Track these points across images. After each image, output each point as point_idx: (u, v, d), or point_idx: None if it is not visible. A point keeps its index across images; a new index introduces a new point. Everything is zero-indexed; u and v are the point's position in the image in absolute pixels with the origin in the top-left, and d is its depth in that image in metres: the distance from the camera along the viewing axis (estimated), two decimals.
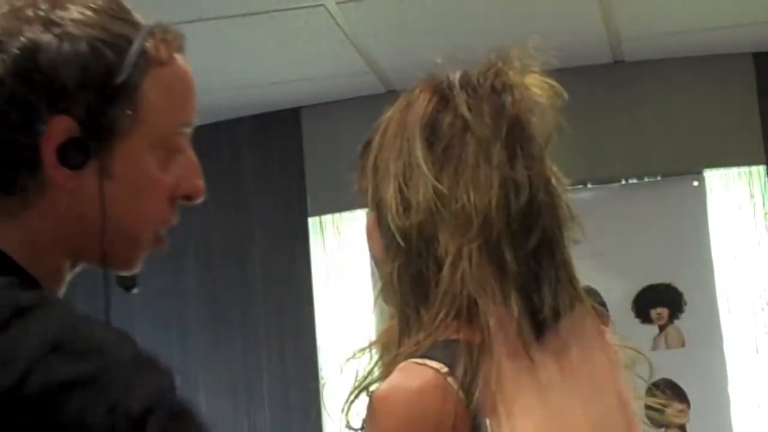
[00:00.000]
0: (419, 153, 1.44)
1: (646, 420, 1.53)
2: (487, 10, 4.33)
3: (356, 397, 1.44)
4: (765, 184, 4.93)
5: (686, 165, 4.95)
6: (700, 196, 4.92)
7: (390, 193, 1.44)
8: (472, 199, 1.41)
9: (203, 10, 4.06)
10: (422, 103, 1.47)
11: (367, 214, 1.53)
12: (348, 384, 1.46)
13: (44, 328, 1.11)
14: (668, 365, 4.11)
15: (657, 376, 1.56)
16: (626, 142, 4.99)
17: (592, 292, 1.51)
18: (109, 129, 1.22)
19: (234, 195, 5.24)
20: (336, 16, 4.33)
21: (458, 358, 1.36)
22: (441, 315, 1.40)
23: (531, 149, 1.45)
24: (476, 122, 1.44)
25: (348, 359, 1.48)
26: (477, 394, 1.34)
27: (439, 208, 1.41)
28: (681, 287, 4.86)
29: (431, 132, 1.45)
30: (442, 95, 1.48)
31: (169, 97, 1.26)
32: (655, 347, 4.79)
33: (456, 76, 1.49)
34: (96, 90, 1.21)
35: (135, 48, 1.22)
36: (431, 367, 1.36)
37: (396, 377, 1.37)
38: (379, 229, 1.47)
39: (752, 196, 4.94)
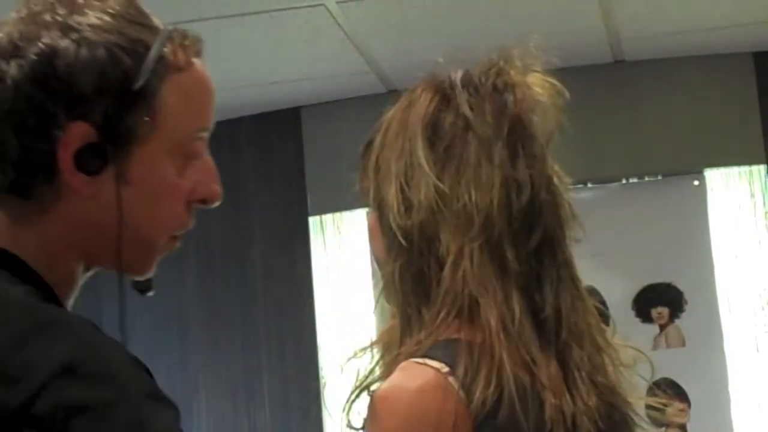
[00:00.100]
0: (421, 152, 1.44)
1: (646, 419, 1.53)
2: (487, 10, 4.33)
3: (357, 396, 1.44)
4: (765, 183, 4.93)
5: (686, 164, 4.95)
6: (700, 195, 4.92)
7: (392, 193, 1.44)
8: (473, 198, 1.41)
9: (203, 10, 4.06)
10: (424, 103, 1.47)
11: (368, 213, 1.53)
12: (349, 383, 1.46)
13: (61, 347, 1.10)
14: (669, 364, 4.12)
15: (657, 376, 1.56)
16: (626, 142, 4.99)
17: (592, 292, 1.52)
18: (127, 135, 1.21)
19: (234, 195, 5.24)
20: (336, 15, 4.33)
21: (459, 357, 1.36)
22: (442, 314, 1.40)
23: (533, 148, 1.45)
24: (478, 121, 1.44)
25: (349, 359, 1.48)
26: (477, 393, 1.34)
27: (440, 208, 1.41)
28: (681, 287, 4.86)
29: (433, 131, 1.45)
30: (443, 95, 1.48)
31: (187, 103, 1.26)
32: (655, 347, 4.79)
33: (458, 76, 1.49)
34: (114, 96, 1.20)
35: (153, 53, 1.22)
36: (432, 367, 1.36)
37: (397, 377, 1.37)
38: (381, 229, 1.47)
39: (752, 195, 4.94)
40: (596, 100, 4.90)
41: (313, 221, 5.22)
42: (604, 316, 1.51)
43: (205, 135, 1.30)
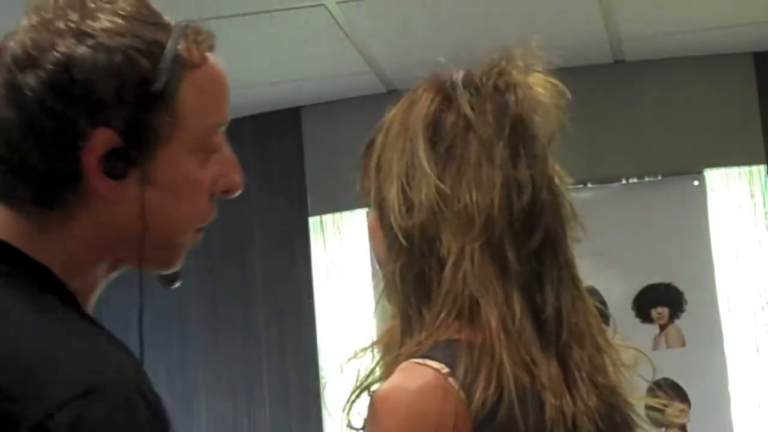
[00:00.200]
0: (422, 153, 1.44)
1: (647, 420, 1.53)
2: (487, 10, 4.33)
3: (358, 396, 1.44)
4: (765, 183, 4.93)
5: (686, 164, 4.95)
6: (700, 195, 4.92)
7: (393, 193, 1.44)
8: (474, 198, 1.41)
9: (203, 10, 4.06)
10: (425, 103, 1.47)
11: (369, 213, 1.53)
12: (349, 384, 1.46)
13: (87, 367, 1.11)
14: (669, 365, 4.11)
15: (657, 376, 1.56)
16: (626, 141, 4.99)
17: (592, 292, 1.52)
18: (150, 137, 1.21)
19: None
20: (336, 15, 4.33)
21: (459, 358, 1.36)
22: (442, 315, 1.40)
23: (534, 148, 1.45)
24: (479, 122, 1.44)
25: (350, 359, 1.48)
26: (477, 394, 1.34)
27: (441, 208, 1.41)
28: (681, 287, 4.86)
29: (434, 132, 1.45)
30: (445, 95, 1.48)
31: (204, 100, 1.26)
32: (655, 347, 4.78)
33: (459, 76, 1.49)
34: (134, 99, 1.20)
35: (169, 54, 1.22)
36: (432, 368, 1.36)
37: (397, 377, 1.37)
38: (382, 229, 1.47)
39: (752, 195, 4.94)
40: (596, 100, 4.90)
41: (313, 221, 5.22)
42: (605, 316, 1.51)
43: (224, 128, 1.30)
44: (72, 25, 1.20)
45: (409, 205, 1.43)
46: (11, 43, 1.22)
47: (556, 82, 1.47)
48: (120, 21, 1.21)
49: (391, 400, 1.35)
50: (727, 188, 4.96)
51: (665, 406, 1.55)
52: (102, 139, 1.19)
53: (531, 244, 1.43)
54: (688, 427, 4.75)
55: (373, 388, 1.42)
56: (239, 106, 5.13)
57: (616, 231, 4.66)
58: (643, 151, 4.98)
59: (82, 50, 1.19)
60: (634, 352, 1.51)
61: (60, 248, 1.22)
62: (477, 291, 1.39)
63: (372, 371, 1.46)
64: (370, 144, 1.51)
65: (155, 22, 1.24)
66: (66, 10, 1.22)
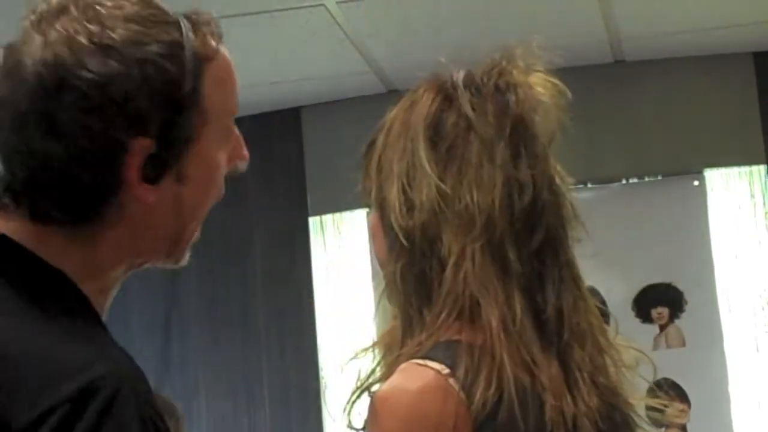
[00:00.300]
0: (423, 153, 1.44)
1: (647, 420, 1.53)
2: (487, 10, 4.33)
3: (358, 397, 1.44)
4: (765, 183, 4.93)
5: (686, 165, 4.95)
6: (700, 195, 4.92)
7: (393, 193, 1.44)
8: (475, 198, 1.41)
9: (203, 10, 4.05)
10: (426, 103, 1.47)
11: (368, 214, 1.53)
12: (349, 384, 1.46)
13: (81, 369, 1.11)
14: (669, 365, 4.11)
15: (658, 376, 1.56)
16: (626, 142, 4.99)
17: (592, 292, 1.51)
18: (184, 138, 1.22)
19: (234, 195, 5.21)
20: (336, 15, 4.33)
21: (460, 359, 1.36)
22: (443, 315, 1.40)
23: (535, 148, 1.45)
24: (480, 122, 1.44)
25: (351, 359, 1.48)
26: (478, 395, 1.34)
27: (442, 208, 1.41)
28: (681, 287, 4.86)
29: (435, 132, 1.45)
30: (445, 95, 1.48)
31: (223, 90, 1.28)
32: (655, 347, 4.78)
33: (460, 76, 1.49)
34: (166, 105, 1.21)
35: (189, 53, 1.22)
36: (432, 368, 1.36)
37: (397, 378, 1.37)
38: (383, 229, 1.47)
39: (752, 195, 4.94)
40: (596, 100, 4.90)
41: (313, 221, 5.21)
42: (606, 316, 1.51)
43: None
44: (95, 39, 1.19)
45: (410, 206, 1.43)
46: (27, 60, 1.19)
47: (557, 81, 1.47)
48: (135, 27, 1.21)
49: (391, 401, 1.35)
50: (727, 188, 4.96)
51: (665, 406, 1.55)
52: (140, 148, 1.20)
53: (532, 244, 1.43)
54: (688, 427, 4.75)
55: (374, 388, 1.42)
56: (239, 106, 5.12)
57: (616, 231, 4.66)
58: (643, 151, 4.98)
59: (113, 66, 1.18)
60: (635, 353, 1.51)
61: (84, 254, 1.22)
62: (478, 291, 1.39)
63: (373, 372, 1.45)
64: (371, 144, 1.51)
65: (167, 20, 1.24)
66: (84, 24, 1.20)
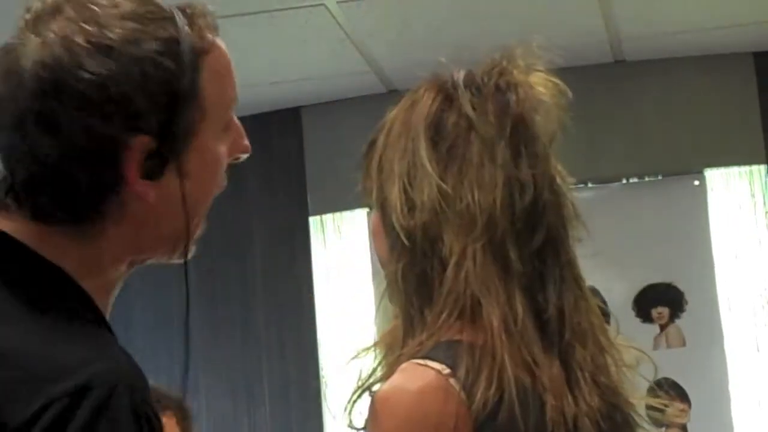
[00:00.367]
0: (424, 153, 1.44)
1: (647, 419, 1.53)
2: (487, 10, 4.33)
3: (359, 396, 1.44)
4: (765, 183, 4.93)
5: (687, 164, 4.95)
6: (700, 195, 4.92)
7: (395, 193, 1.44)
8: (476, 198, 1.41)
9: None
10: (426, 103, 1.47)
11: (369, 214, 1.53)
12: (350, 383, 1.46)
13: (76, 367, 1.11)
14: (669, 365, 4.10)
15: (658, 376, 1.56)
16: (626, 141, 4.99)
17: (593, 291, 1.51)
18: (183, 133, 1.22)
19: (234, 195, 5.21)
20: (336, 15, 4.33)
21: (460, 359, 1.36)
22: (444, 315, 1.40)
23: (535, 148, 1.45)
24: (480, 121, 1.44)
25: (352, 359, 1.48)
26: (478, 395, 1.34)
27: (443, 208, 1.41)
28: (682, 286, 4.86)
29: (436, 131, 1.45)
30: (446, 94, 1.48)
31: (221, 82, 1.27)
32: (656, 347, 4.78)
33: (460, 76, 1.49)
34: (165, 102, 1.20)
35: (186, 48, 1.22)
36: (433, 368, 1.35)
37: (397, 378, 1.37)
38: (384, 229, 1.47)
39: (753, 195, 4.94)
40: (596, 100, 4.90)
41: (313, 221, 5.21)
42: (606, 315, 1.51)
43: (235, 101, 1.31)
44: (93, 39, 1.19)
45: (411, 205, 1.43)
46: (25, 62, 1.19)
47: (557, 81, 1.47)
48: (132, 25, 1.21)
49: (391, 401, 1.35)
50: (727, 188, 4.96)
51: (666, 406, 1.55)
52: (140, 146, 1.20)
53: (533, 243, 1.43)
54: (689, 427, 4.75)
55: (375, 388, 1.42)
56: (239, 106, 5.11)
57: (617, 231, 4.66)
58: (643, 151, 4.98)
59: (111, 66, 1.18)
60: (635, 352, 1.51)
61: (86, 252, 1.21)
62: (479, 291, 1.39)
63: (374, 371, 1.45)
64: (372, 144, 1.51)
65: (163, 16, 1.23)
66: (81, 25, 1.20)
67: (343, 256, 5.17)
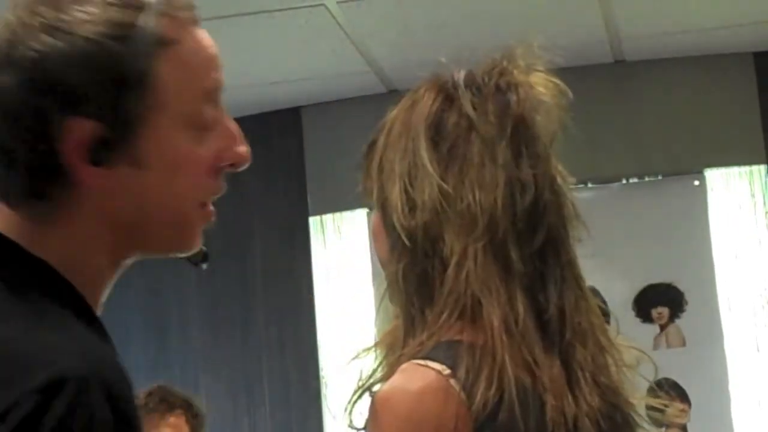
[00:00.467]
0: (424, 153, 1.44)
1: (647, 419, 1.53)
2: (487, 10, 4.33)
3: (359, 396, 1.44)
4: (765, 183, 4.93)
5: (687, 164, 4.95)
6: (700, 195, 4.93)
7: (395, 193, 1.44)
8: (477, 198, 1.41)
9: (203, 10, 4.05)
10: (427, 103, 1.47)
11: (369, 214, 1.53)
12: (350, 383, 1.46)
13: (50, 360, 1.09)
14: (669, 365, 4.10)
15: (658, 376, 1.56)
16: (626, 141, 4.99)
17: (593, 292, 1.51)
18: (129, 120, 1.20)
19: (234, 195, 5.21)
20: (336, 15, 4.33)
21: (461, 359, 1.36)
22: (444, 315, 1.40)
23: (536, 148, 1.45)
24: (481, 121, 1.44)
25: (353, 359, 1.48)
26: (478, 395, 1.34)
27: (444, 208, 1.41)
28: (682, 286, 4.86)
29: (436, 131, 1.45)
30: (446, 94, 1.48)
31: (186, 74, 1.24)
32: (655, 347, 4.79)
33: (461, 76, 1.48)
34: (109, 85, 1.19)
35: (140, 34, 1.21)
36: (433, 369, 1.35)
37: (398, 378, 1.37)
38: (385, 229, 1.47)
39: (753, 195, 4.94)
40: (596, 100, 4.90)
41: (313, 221, 5.22)
42: (606, 315, 1.51)
43: (217, 99, 1.28)
44: (44, 20, 1.20)
45: (411, 205, 1.43)
46: None
47: (558, 81, 1.47)
48: (93, 9, 1.20)
49: (391, 402, 1.35)
50: (727, 188, 4.96)
51: (666, 406, 1.55)
52: (80, 128, 1.19)
53: (534, 243, 1.42)
54: (689, 427, 4.76)
55: (375, 388, 1.42)
56: (239, 106, 5.13)
57: (617, 231, 4.67)
58: (643, 151, 4.98)
59: (52, 43, 1.19)
60: (636, 352, 1.51)
61: (57, 242, 1.21)
62: (480, 291, 1.39)
63: (374, 371, 1.45)
64: (372, 144, 1.51)
65: (128, 4, 1.22)
66: (39, 7, 1.21)
67: (343, 257, 5.17)
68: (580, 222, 1.48)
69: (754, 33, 4.79)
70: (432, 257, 1.42)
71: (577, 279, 1.46)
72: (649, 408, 1.54)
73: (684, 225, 4.88)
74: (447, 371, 1.35)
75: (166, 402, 3.55)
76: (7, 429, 1.05)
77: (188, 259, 1.32)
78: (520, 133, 1.45)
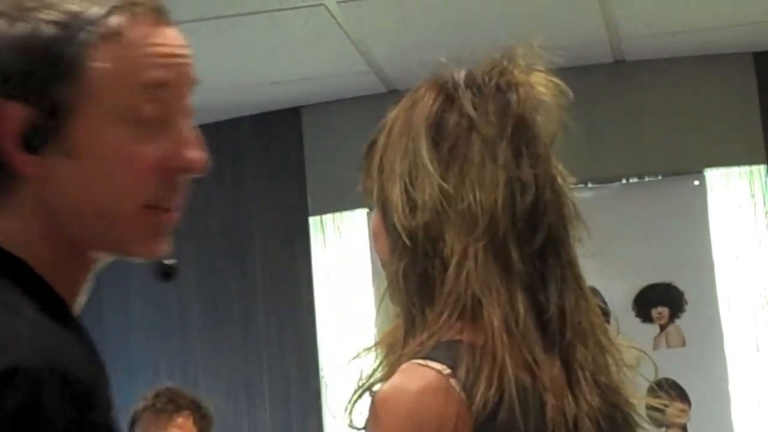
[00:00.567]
0: (425, 153, 1.44)
1: (647, 419, 1.53)
2: (487, 10, 4.33)
3: (360, 396, 1.44)
4: (765, 183, 4.94)
5: (687, 164, 4.95)
6: (700, 195, 4.93)
7: (396, 193, 1.44)
8: (477, 198, 1.41)
9: (203, 10, 4.06)
10: (427, 103, 1.47)
11: (369, 214, 1.53)
12: (350, 383, 1.46)
13: (6, 354, 1.08)
14: (669, 365, 4.11)
15: (658, 376, 1.56)
16: (626, 141, 4.99)
17: (593, 292, 1.51)
18: (62, 108, 1.18)
19: (234, 195, 5.24)
20: (336, 15, 4.33)
21: (461, 359, 1.36)
22: (445, 315, 1.40)
23: (536, 148, 1.45)
24: (481, 121, 1.44)
25: (353, 359, 1.48)
26: (478, 395, 1.34)
27: (445, 208, 1.41)
28: (681, 286, 4.87)
29: (437, 131, 1.45)
30: (447, 94, 1.48)
31: (123, 67, 1.21)
32: (655, 347, 4.79)
33: (461, 75, 1.48)
34: (42, 71, 1.18)
35: (78, 22, 1.19)
36: (433, 369, 1.35)
37: (398, 378, 1.37)
38: (385, 229, 1.47)
39: (753, 195, 4.95)
40: (596, 100, 4.90)
41: (313, 221, 5.22)
42: (606, 315, 1.51)
43: (164, 97, 1.23)
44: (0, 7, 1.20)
45: (412, 205, 1.43)
46: None
47: (558, 81, 1.47)
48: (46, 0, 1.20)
49: (391, 401, 1.35)
50: (727, 188, 4.96)
51: (666, 406, 1.55)
52: (12, 113, 1.18)
53: (534, 243, 1.43)
54: (689, 427, 4.76)
55: (375, 388, 1.42)
56: (239, 106, 5.13)
57: (617, 231, 4.67)
58: (643, 151, 4.98)
59: None
60: (636, 352, 1.51)
61: (2, 232, 1.19)
62: (480, 291, 1.39)
63: (374, 371, 1.45)
64: (372, 144, 1.51)
65: None
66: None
67: (343, 257, 5.17)
68: (580, 222, 1.48)
69: (754, 33, 4.79)
70: (432, 257, 1.42)
71: (578, 279, 1.46)
72: (649, 408, 1.54)
73: (684, 225, 4.88)
74: (447, 371, 1.35)
75: (174, 403, 3.56)
76: None
77: (154, 271, 1.28)
78: (520, 133, 1.45)
